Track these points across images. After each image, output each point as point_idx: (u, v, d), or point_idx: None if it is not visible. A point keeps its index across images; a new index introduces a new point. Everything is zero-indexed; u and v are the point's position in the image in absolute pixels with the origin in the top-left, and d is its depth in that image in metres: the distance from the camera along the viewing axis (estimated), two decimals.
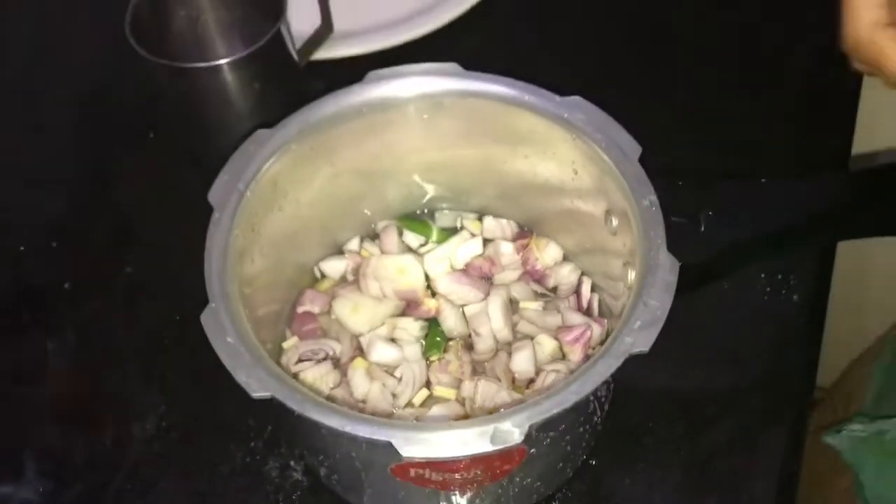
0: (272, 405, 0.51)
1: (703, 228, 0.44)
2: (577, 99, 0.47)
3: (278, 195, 0.47)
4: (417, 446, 0.36)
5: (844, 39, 0.40)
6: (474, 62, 0.49)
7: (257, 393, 0.38)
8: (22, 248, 0.60)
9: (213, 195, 0.44)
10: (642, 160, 0.44)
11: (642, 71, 0.67)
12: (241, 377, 0.38)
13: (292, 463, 0.50)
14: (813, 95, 0.65)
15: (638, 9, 0.71)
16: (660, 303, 0.39)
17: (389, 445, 0.36)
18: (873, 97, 0.65)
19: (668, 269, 0.40)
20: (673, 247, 0.41)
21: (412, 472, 0.41)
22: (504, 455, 0.40)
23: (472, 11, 0.69)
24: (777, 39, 0.68)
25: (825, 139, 0.63)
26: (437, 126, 0.50)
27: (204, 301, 0.41)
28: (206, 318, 0.40)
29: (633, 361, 0.40)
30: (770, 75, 0.67)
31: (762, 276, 0.56)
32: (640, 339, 0.38)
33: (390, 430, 0.37)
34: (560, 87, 0.48)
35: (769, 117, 0.65)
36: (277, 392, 0.38)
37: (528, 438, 0.37)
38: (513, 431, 0.36)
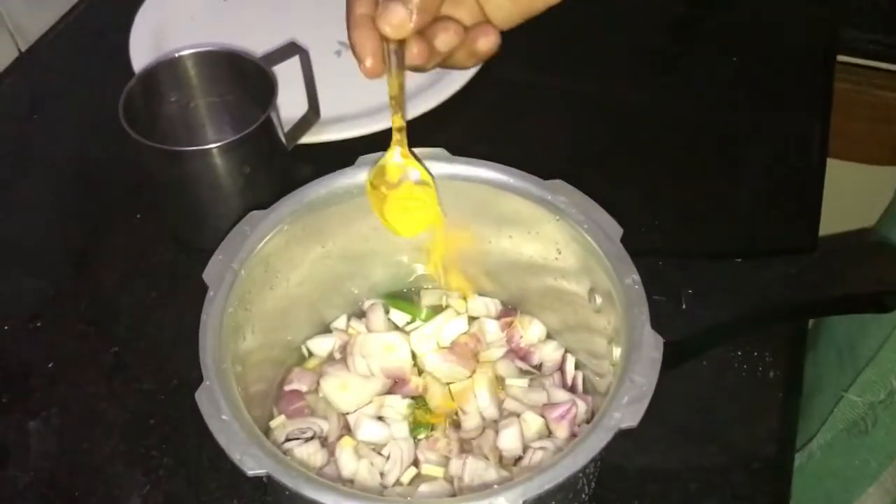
0: (255, 486, 0.50)
1: (684, 307, 0.45)
2: (559, 182, 0.48)
3: (270, 274, 0.48)
4: None
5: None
6: (457, 147, 0.50)
7: (252, 471, 0.38)
8: (6, 328, 0.60)
9: (208, 274, 0.45)
10: (623, 240, 0.46)
11: (616, 156, 0.70)
12: (236, 455, 0.38)
13: None
14: (781, 181, 0.68)
15: (606, 96, 0.74)
16: (646, 379, 0.40)
17: None
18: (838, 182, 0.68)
19: (652, 345, 0.41)
20: (655, 324, 0.42)
21: None
22: None
23: (452, 101, 0.70)
24: (744, 129, 0.71)
25: (793, 221, 0.65)
26: None
27: (188, 380, 0.41)
28: (200, 396, 0.40)
29: (617, 439, 0.40)
30: (741, 162, 0.69)
31: (739, 353, 0.57)
32: (627, 414, 0.39)
33: None
34: (539, 171, 0.49)
35: (741, 202, 0.67)
36: (273, 470, 0.38)
37: None
38: None
